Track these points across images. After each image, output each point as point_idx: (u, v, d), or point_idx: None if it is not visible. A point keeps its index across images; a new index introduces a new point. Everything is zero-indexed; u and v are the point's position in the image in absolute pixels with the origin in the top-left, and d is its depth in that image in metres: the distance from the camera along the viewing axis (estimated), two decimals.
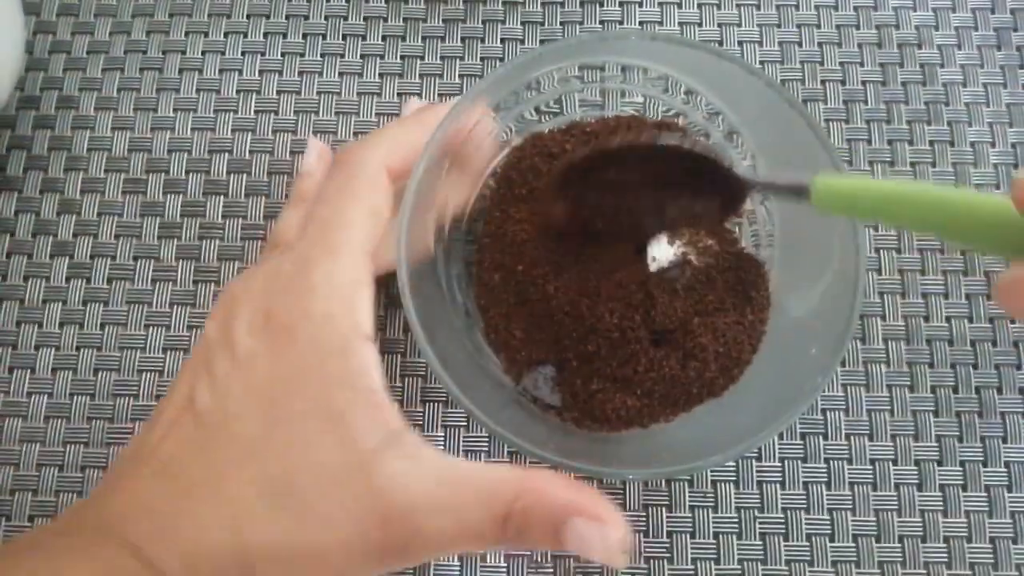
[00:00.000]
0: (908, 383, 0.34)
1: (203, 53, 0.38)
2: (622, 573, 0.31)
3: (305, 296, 0.24)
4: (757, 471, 0.33)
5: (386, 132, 0.29)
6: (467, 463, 0.24)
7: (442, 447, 0.33)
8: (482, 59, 0.38)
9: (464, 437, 0.33)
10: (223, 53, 0.38)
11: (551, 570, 0.32)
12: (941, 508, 0.32)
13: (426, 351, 0.25)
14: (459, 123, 0.28)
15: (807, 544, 0.32)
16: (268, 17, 0.38)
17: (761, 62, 0.37)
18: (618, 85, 0.33)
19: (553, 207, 0.29)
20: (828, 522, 0.32)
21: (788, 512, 0.32)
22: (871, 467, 0.33)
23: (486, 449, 0.33)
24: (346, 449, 0.22)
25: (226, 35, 0.38)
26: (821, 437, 0.33)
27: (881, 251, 0.35)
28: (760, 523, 0.32)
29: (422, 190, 0.27)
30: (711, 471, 0.33)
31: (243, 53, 0.38)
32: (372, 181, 0.26)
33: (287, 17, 0.38)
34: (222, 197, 0.36)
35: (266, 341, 0.24)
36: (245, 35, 0.38)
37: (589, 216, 0.29)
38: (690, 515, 0.32)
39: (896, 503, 0.32)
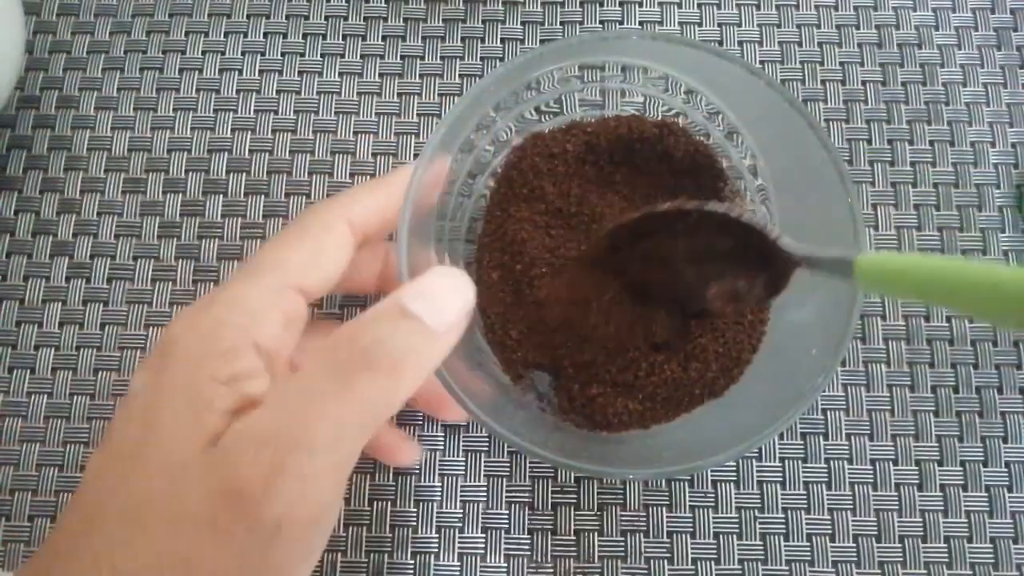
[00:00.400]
0: (908, 383, 0.34)
1: (203, 53, 0.38)
2: (622, 573, 0.31)
3: (204, 311, 0.22)
4: (757, 471, 0.32)
5: (351, 190, 0.27)
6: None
7: (442, 449, 0.33)
8: (482, 59, 0.38)
9: (464, 437, 0.33)
10: (223, 53, 0.38)
11: (551, 570, 0.32)
12: (942, 508, 0.32)
13: None
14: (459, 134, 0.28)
15: (808, 544, 0.32)
16: (268, 17, 0.38)
17: (761, 62, 0.37)
18: (618, 85, 0.33)
19: (598, 267, 0.29)
20: (829, 522, 0.32)
21: (789, 512, 0.32)
22: (871, 467, 0.33)
23: (486, 449, 0.33)
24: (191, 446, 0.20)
25: (226, 35, 0.38)
26: (821, 437, 0.33)
27: (882, 251, 0.35)
28: (761, 523, 0.32)
29: (420, 191, 0.27)
30: (711, 471, 0.33)
31: (243, 53, 0.38)
32: (324, 224, 0.25)
33: (287, 17, 0.38)
34: (222, 196, 0.36)
35: (152, 368, 0.21)
36: (245, 35, 0.38)
37: (633, 280, 0.29)
38: (690, 515, 0.32)
39: (897, 503, 0.32)
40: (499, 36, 0.38)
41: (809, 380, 0.26)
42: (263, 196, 0.36)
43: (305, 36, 0.38)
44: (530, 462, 0.33)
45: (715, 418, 0.29)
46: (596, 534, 0.32)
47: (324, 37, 0.38)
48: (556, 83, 0.32)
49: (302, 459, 0.19)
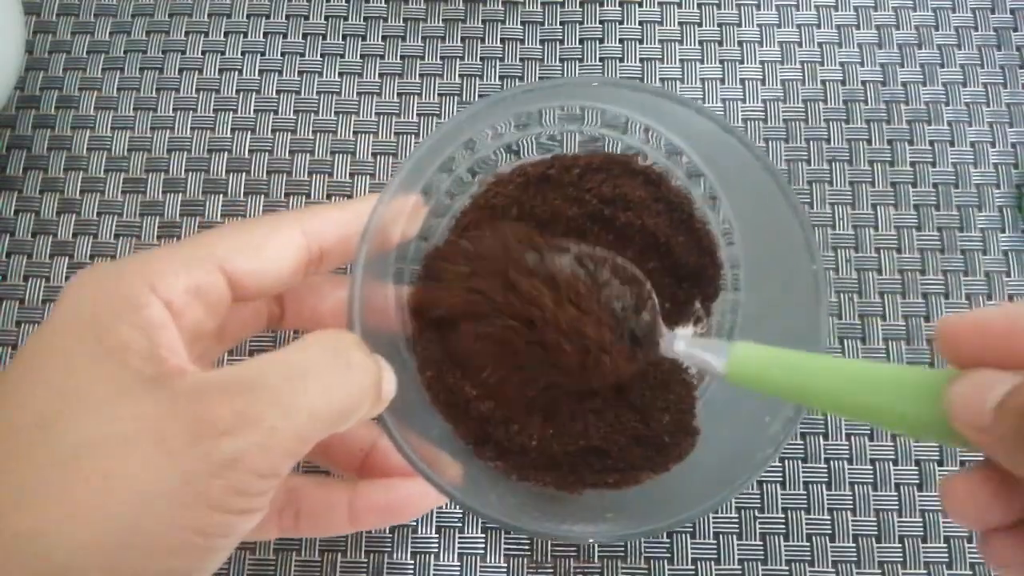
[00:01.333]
0: None
1: (203, 53, 0.38)
2: (622, 573, 0.31)
3: (103, 265, 0.22)
4: None
5: (314, 205, 0.27)
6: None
7: None
8: (482, 59, 0.38)
9: None
10: (223, 53, 0.38)
11: (551, 570, 0.32)
12: (941, 508, 0.32)
13: None
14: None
15: (807, 544, 0.32)
16: (268, 17, 0.38)
17: (761, 62, 0.37)
18: (576, 127, 0.30)
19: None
20: (828, 522, 0.32)
21: (788, 512, 0.32)
22: (871, 467, 0.33)
23: None
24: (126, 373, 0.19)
25: (226, 35, 0.38)
26: (821, 437, 0.33)
27: (881, 251, 0.35)
28: (760, 523, 0.32)
29: (379, 227, 0.25)
30: None
31: (243, 53, 0.38)
32: (274, 224, 0.24)
33: (287, 17, 0.38)
34: (221, 196, 0.36)
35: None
36: (245, 35, 0.38)
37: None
38: None
39: (896, 503, 0.32)
40: (499, 36, 0.38)
41: (760, 450, 0.24)
42: (263, 196, 0.36)
43: (305, 36, 0.38)
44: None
45: (663, 483, 0.28)
46: None
47: (324, 37, 0.38)
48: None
49: (277, 414, 0.19)
